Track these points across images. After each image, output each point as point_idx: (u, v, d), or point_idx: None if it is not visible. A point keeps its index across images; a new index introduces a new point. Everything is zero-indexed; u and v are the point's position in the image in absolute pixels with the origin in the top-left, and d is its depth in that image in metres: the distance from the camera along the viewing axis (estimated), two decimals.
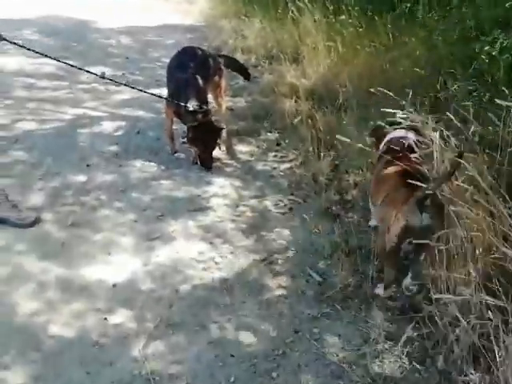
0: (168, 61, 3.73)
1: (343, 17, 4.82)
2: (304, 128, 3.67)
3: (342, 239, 2.55)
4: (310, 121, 3.68)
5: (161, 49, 6.55)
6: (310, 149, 3.46)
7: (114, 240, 2.63)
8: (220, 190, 3.19)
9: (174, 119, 3.53)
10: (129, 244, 2.61)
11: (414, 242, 1.82)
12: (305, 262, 2.48)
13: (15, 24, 6.62)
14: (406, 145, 2.17)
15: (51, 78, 5.04)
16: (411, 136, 2.22)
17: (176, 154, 3.60)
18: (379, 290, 2.14)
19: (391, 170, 2.12)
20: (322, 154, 3.30)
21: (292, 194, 3.15)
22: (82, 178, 3.22)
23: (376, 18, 4.63)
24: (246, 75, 4.32)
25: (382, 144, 2.36)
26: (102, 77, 3.02)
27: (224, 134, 3.73)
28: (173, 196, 3.10)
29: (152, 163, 3.49)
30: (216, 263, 2.47)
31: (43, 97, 4.58)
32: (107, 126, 4.05)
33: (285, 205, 3.03)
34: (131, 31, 7.37)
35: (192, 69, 3.46)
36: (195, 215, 2.89)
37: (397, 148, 2.20)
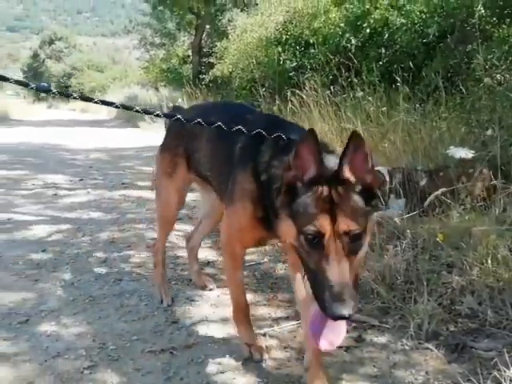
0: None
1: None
2: None
3: None
4: None
5: (135, 160, 5.51)
6: None
7: None
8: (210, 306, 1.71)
9: None
10: None
11: None
12: None
13: None
14: None
15: None
16: None
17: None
18: None
19: None
20: None
21: None
22: None
23: None
24: None
25: None
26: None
27: None
28: (127, 329, 1.60)
29: (95, 272, 2.05)
30: None
31: None
32: (38, 231, 2.67)
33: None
34: (106, 150, 6.45)
35: None
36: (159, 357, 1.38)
37: None
